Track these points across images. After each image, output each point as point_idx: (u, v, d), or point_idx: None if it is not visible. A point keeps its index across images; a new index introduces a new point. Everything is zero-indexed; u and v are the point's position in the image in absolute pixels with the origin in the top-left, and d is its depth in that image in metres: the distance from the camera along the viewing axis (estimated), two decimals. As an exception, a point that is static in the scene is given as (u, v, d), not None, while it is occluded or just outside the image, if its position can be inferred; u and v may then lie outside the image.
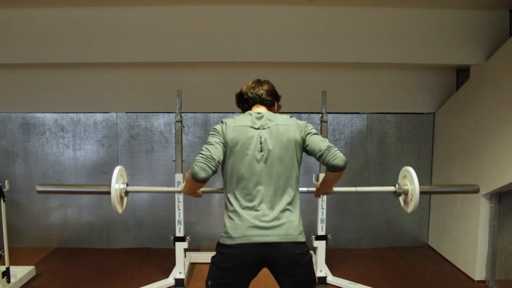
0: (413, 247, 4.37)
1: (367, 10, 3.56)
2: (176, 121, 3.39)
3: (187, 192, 1.94)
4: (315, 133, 1.89)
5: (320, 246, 3.49)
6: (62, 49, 3.56)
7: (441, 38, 3.61)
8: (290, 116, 1.92)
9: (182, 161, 3.41)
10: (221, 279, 1.76)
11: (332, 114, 4.15)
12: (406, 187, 2.18)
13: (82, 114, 4.21)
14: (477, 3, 3.44)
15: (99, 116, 4.21)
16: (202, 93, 4.00)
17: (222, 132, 1.82)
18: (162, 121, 4.21)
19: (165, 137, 4.23)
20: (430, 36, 3.60)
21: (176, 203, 3.39)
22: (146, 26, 3.55)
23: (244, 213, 1.75)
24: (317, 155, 1.85)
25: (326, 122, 3.46)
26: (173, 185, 3.40)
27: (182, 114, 3.41)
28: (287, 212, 1.77)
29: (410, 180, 2.17)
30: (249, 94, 1.95)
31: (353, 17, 3.57)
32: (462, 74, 4.07)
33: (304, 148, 1.88)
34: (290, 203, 1.79)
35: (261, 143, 1.78)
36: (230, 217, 1.79)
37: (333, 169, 1.89)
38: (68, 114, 4.21)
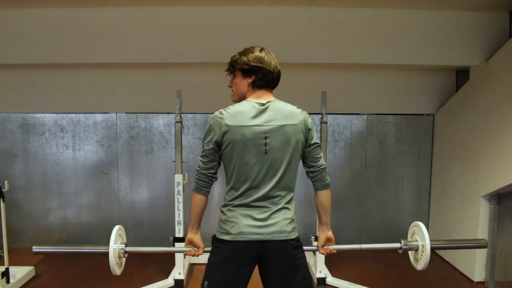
0: (412, 248, 4.37)
1: (366, 11, 3.56)
2: (176, 122, 3.39)
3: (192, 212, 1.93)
4: (317, 144, 1.82)
5: (320, 247, 3.48)
6: (62, 50, 3.56)
7: (441, 40, 3.61)
8: (297, 107, 1.81)
9: (182, 161, 3.41)
10: (218, 276, 1.74)
11: (332, 115, 4.15)
12: (416, 243, 2.08)
13: (81, 115, 4.20)
14: (477, 5, 3.44)
15: (98, 117, 4.21)
16: (202, 93, 4.00)
17: (217, 131, 1.72)
18: (162, 122, 4.21)
19: (164, 138, 4.23)
20: (429, 37, 3.60)
21: (176, 204, 3.38)
22: (146, 27, 3.55)
23: (241, 210, 1.74)
24: (313, 169, 1.83)
25: (326, 123, 3.46)
26: (173, 185, 3.40)
27: (182, 115, 3.40)
28: (283, 211, 1.75)
29: (420, 235, 2.05)
30: (265, 71, 1.76)
31: (352, 18, 3.57)
32: (461, 75, 4.07)
33: (302, 151, 1.81)
34: (287, 202, 1.77)
35: (265, 145, 1.71)
36: (227, 212, 1.78)
37: (326, 187, 1.86)
38: (68, 114, 4.21)
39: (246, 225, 1.72)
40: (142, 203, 4.31)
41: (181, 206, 3.39)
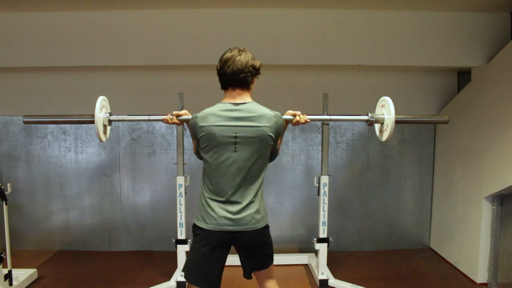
0: (415, 249, 4.36)
1: (368, 12, 3.56)
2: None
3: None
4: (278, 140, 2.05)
5: (322, 248, 3.49)
6: (64, 53, 3.58)
7: (442, 41, 3.61)
8: (272, 110, 1.97)
9: (183, 163, 3.42)
10: (199, 258, 1.98)
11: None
12: (382, 116, 2.20)
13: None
14: (478, 5, 3.44)
15: (101, 119, 4.21)
16: (204, 96, 3.98)
17: (194, 130, 1.97)
18: (163, 124, 4.21)
19: (166, 140, 4.24)
20: (431, 38, 3.61)
21: (178, 206, 3.39)
22: (147, 29, 3.56)
23: (216, 204, 1.95)
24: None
25: (328, 124, 3.47)
26: (175, 188, 3.41)
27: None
28: (252, 204, 1.95)
29: (387, 110, 2.16)
30: (222, 72, 1.94)
31: (354, 20, 3.57)
32: (463, 76, 4.07)
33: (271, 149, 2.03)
34: (255, 195, 1.97)
35: (235, 144, 1.89)
36: (204, 203, 1.99)
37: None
38: (70, 117, 4.22)
39: (220, 217, 1.94)
40: (144, 205, 4.32)
41: (183, 208, 3.40)
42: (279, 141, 2.07)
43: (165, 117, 2.13)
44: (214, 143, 1.90)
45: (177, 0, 3.37)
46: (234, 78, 1.91)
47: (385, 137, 2.17)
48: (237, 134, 1.88)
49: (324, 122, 3.43)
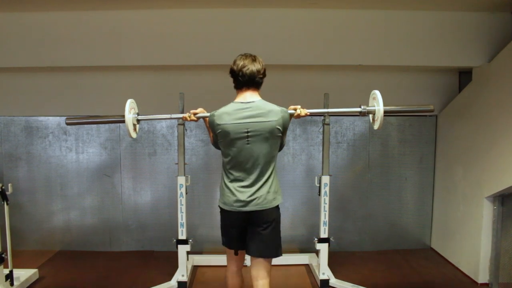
0: (416, 249, 4.36)
1: (368, 12, 3.56)
2: (178, 124, 3.40)
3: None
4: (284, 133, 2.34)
5: (323, 248, 3.49)
6: (65, 53, 3.58)
7: (443, 40, 3.61)
8: (278, 106, 2.26)
9: (184, 164, 3.42)
10: (224, 229, 2.43)
11: (334, 117, 4.15)
12: (373, 108, 2.49)
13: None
14: (479, 5, 3.44)
15: (101, 119, 4.22)
16: (205, 96, 4.00)
17: (213, 126, 2.29)
18: (164, 124, 4.22)
19: (167, 140, 4.24)
20: (432, 38, 3.60)
21: (179, 206, 3.39)
22: (148, 29, 3.56)
23: (233, 189, 2.29)
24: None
25: (328, 124, 3.46)
26: (176, 188, 3.41)
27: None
28: (264, 186, 2.27)
29: (377, 102, 2.45)
30: (240, 75, 2.21)
31: (354, 20, 3.57)
32: (464, 76, 4.06)
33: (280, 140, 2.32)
34: (267, 180, 2.27)
35: (247, 137, 2.20)
36: (224, 188, 2.34)
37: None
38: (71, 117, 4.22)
39: (236, 200, 2.29)
40: (145, 205, 4.32)
41: (184, 208, 3.40)
42: (285, 134, 2.34)
43: (184, 115, 2.43)
44: (229, 138, 2.22)
45: (177, 0, 3.37)
46: (251, 80, 2.22)
47: (377, 125, 2.49)
48: (248, 129, 2.19)
49: (325, 122, 3.42)
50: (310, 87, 4.05)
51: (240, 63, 2.21)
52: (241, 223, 2.33)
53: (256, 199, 2.25)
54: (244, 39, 3.55)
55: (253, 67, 2.21)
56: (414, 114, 4.25)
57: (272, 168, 2.30)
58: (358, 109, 2.52)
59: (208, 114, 2.34)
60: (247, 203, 2.26)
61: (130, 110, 2.50)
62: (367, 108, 2.51)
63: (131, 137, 2.56)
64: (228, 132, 2.21)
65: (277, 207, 2.35)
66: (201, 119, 2.44)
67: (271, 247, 2.33)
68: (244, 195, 2.26)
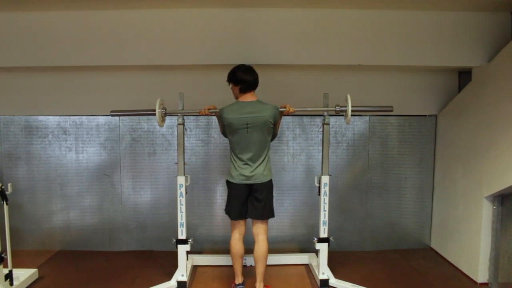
0: (415, 249, 4.37)
1: (368, 12, 3.56)
2: (178, 124, 3.40)
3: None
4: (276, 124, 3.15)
5: (322, 248, 3.49)
6: (65, 53, 3.58)
7: (443, 40, 3.61)
8: (270, 103, 3.09)
9: (184, 163, 3.42)
10: (230, 202, 3.19)
11: (334, 117, 4.15)
12: (345, 108, 3.23)
13: (84, 117, 4.22)
14: (479, 5, 3.44)
15: (101, 119, 4.22)
16: (205, 95, 4.01)
17: (222, 118, 3.10)
18: (164, 124, 4.21)
19: (167, 140, 4.24)
20: (431, 38, 3.61)
21: (179, 206, 3.39)
22: (148, 29, 3.56)
23: (238, 167, 3.08)
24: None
25: (328, 124, 3.46)
26: (175, 188, 3.41)
27: (184, 117, 3.43)
28: (260, 166, 3.07)
29: (348, 103, 3.18)
30: (246, 80, 3.05)
31: (354, 20, 3.58)
32: (464, 76, 4.07)
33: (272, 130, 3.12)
34: (263, 161, 3.08)
35: (247, 127, 2.99)
36: (232, 165, 3.12)
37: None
38: (71, 117, 4.22)
39: (240, 175, 3.09)
40: (145, 205, 4.32)
41: (183, 208, 3.40)
42: (277, 125, 3.16)
43: (200, 110, 3.15)
44: (233, 128, 3.02)
45: (177, 0, 3.37)
46: (254, 84, 3.07)
47: (346, 121, 3.27)
48: (248, 122, 2.97)
49: (325, 122, 3.42)
50: (309, 87, 4.05)
51: (243, 77, 3.01)
52: (243, 193, 3.09)
53: (255, 175, 3.05)
54: (244, 39, 3.56)
55: (251, 78, 3.02)
56: (412, 114, 4.25)
57: (266, 152, 3.10)
58: (334, 108, 3.28)
59: (218, 110, 3.11)
60: (249, 177, 3.05)
61: (160, 105, 3.23)
62: (339, 107, 3.26)
63: (159, 125, 3.32)
64: (232, 124, 3.00)
65: (270, 180, 3.14)
66: (214, 114, 3.18)
67: (266, 211, 3.14)
68: (246, 171, 3.05)
